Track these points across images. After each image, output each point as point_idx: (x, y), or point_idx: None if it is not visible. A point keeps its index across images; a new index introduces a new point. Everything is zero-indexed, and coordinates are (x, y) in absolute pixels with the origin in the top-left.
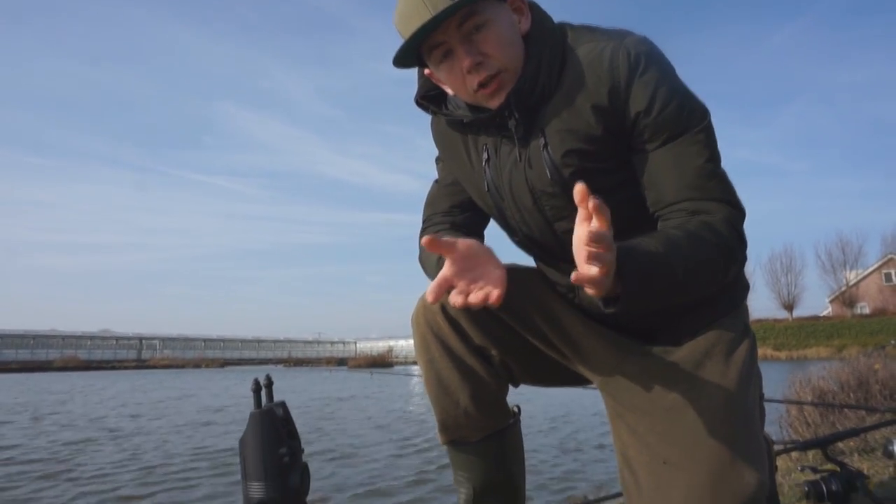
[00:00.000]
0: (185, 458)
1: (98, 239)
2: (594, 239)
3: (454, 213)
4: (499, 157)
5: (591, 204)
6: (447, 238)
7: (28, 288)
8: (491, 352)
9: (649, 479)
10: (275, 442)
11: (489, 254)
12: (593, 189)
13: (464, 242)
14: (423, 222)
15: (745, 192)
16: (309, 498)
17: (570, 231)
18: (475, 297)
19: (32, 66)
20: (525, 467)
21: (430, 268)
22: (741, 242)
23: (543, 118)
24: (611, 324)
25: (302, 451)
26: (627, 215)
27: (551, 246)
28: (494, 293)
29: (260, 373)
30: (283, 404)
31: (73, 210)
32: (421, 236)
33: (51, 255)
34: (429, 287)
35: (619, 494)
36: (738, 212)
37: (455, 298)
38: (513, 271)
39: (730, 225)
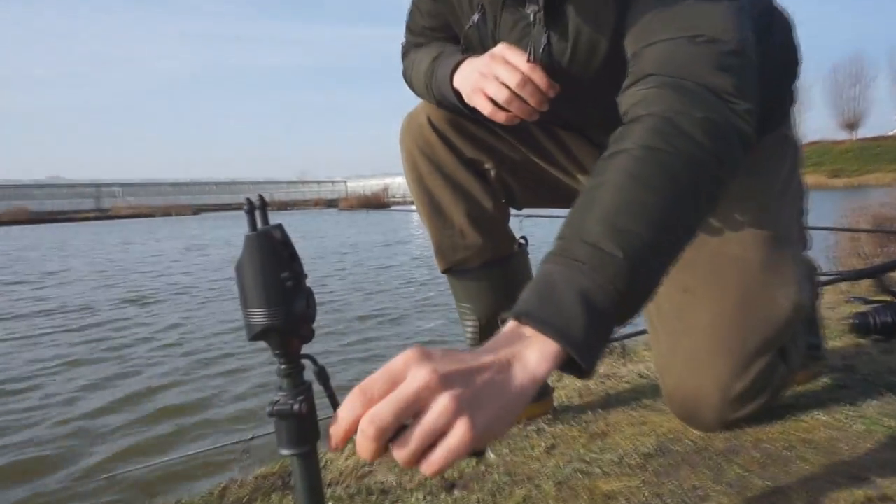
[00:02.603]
0: None
1: (31, 71)
2: None
3: (440, 32)
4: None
5: None
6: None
7: None
8: (485, 165)
9: (671, 309)
10: (275, 265)
11: None
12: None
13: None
14: (407, 35)
15: None
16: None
17: (568, 97)
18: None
19: None
20: None
21: (421, 85)
22: (737, 131)
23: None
24: None
25: (305, 276)
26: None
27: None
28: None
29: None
30: (280, 227)
31: None
32: (404, 52)
33: None
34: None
35: (645, 331)
36: (738, 82)
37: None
38: None
39: (713, 125)
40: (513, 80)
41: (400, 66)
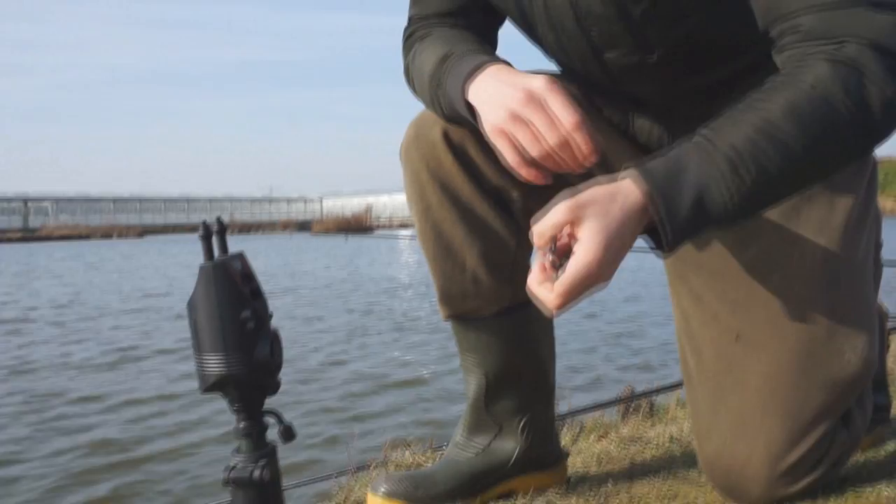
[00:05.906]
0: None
1: None
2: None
3: (456, 18)
4: None
5: None
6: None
7: None
8: (511, 194)
9: (717, 360)
10: (234, 303)
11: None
12: (671, 11)
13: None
14: (411, 21)
15: None
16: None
17: (623, 63)
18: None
19: None
20: (555, 351)
21: (425, 93)
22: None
23: None
24: None
25: (270, 315)
26: (723, 42)
27: (596, 77)
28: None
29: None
30: (241, 256)
31: None
32: (406, 42)
33: None
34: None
35: (678, 385)
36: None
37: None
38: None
39: (879, 65)
40: (551, 138)
41: (398, 61)
